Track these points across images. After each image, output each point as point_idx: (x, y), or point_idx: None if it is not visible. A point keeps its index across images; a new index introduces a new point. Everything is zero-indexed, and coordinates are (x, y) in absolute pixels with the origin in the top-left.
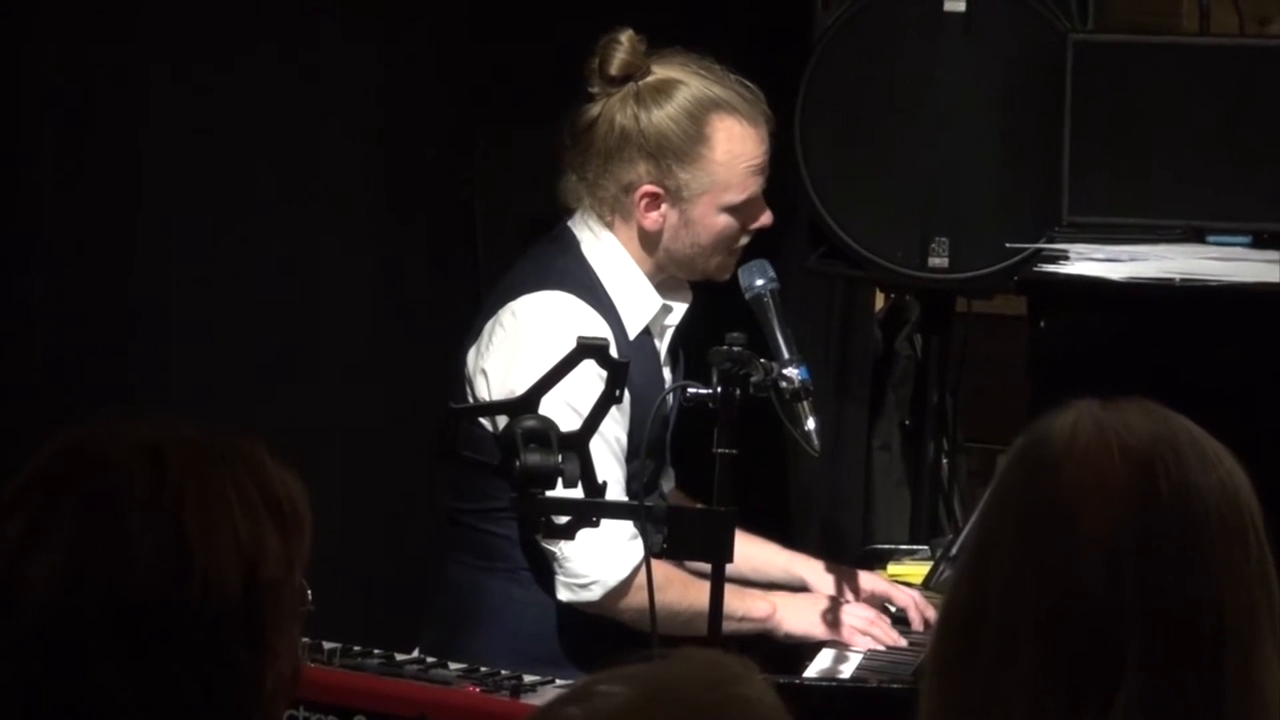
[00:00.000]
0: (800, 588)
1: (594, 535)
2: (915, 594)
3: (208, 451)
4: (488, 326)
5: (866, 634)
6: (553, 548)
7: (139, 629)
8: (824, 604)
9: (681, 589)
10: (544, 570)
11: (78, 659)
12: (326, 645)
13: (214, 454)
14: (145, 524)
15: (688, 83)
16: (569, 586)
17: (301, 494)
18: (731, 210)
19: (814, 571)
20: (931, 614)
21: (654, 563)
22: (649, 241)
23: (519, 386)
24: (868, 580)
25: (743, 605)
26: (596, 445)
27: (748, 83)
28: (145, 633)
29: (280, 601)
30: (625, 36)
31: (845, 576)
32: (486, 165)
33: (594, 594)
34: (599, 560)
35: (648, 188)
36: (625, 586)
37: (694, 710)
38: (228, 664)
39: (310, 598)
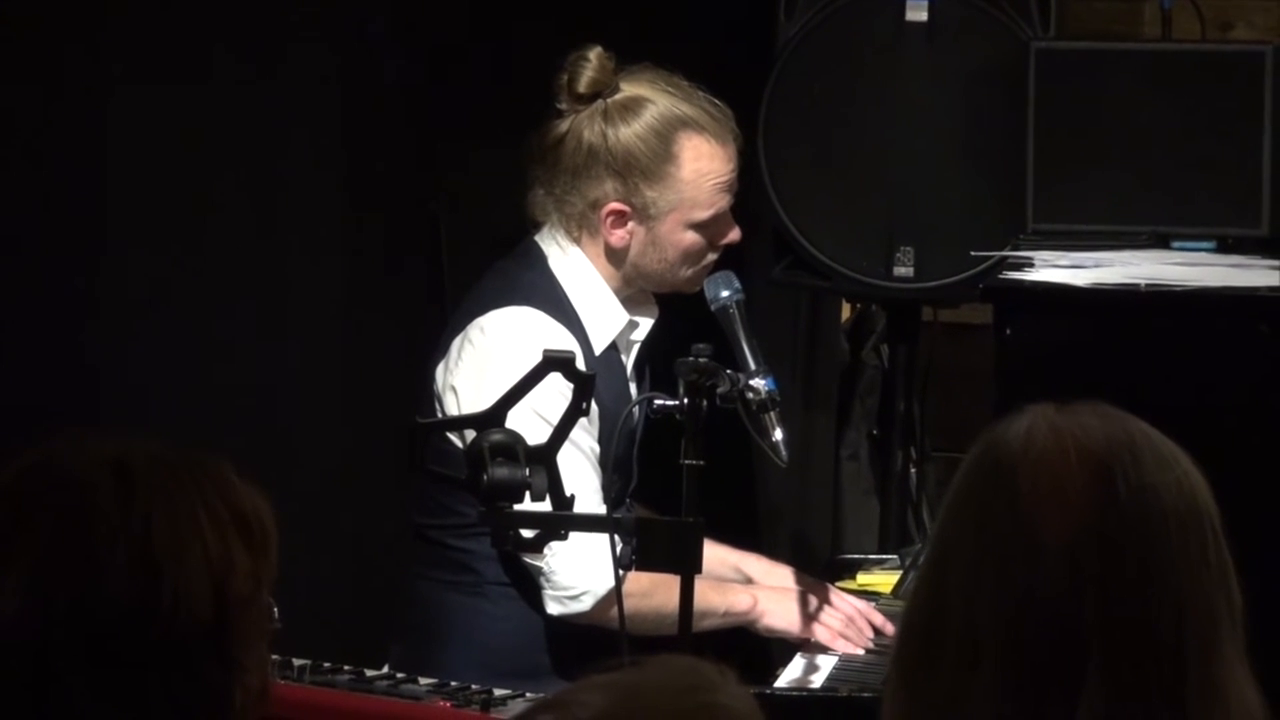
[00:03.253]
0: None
1: (578, 547)
2: (856, 603)
3: (175, 468)
4: (455, 343)
5: (843, 635)
6: (538, 563)
7: (108, 645)
8: (804, 598)
9: (667, 592)
10: (513, 584)
11: (46, 675)
12: (296, 662)
13: (181, 471)
14: (114, 540)
15: (656, 101)
16: (558, 600)
17: (268, 512)
18: (699, 227)
19: (762, 571)
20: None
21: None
22: (616, 257)
23: (488, 402)
24: (806, 581)
25: (725, 600)
26: (573, 456)
27: (716, 100)
28: (114, 649)
29: (249, 618)
30: (594, 54)
31: (792, 576)
32: (450, 181)
33: (585, 604)
34: (586, 571)
35: (614, 205)
36: (615, 594)
37: (669, 717)
38: (197, 680)
39: (277, 615)
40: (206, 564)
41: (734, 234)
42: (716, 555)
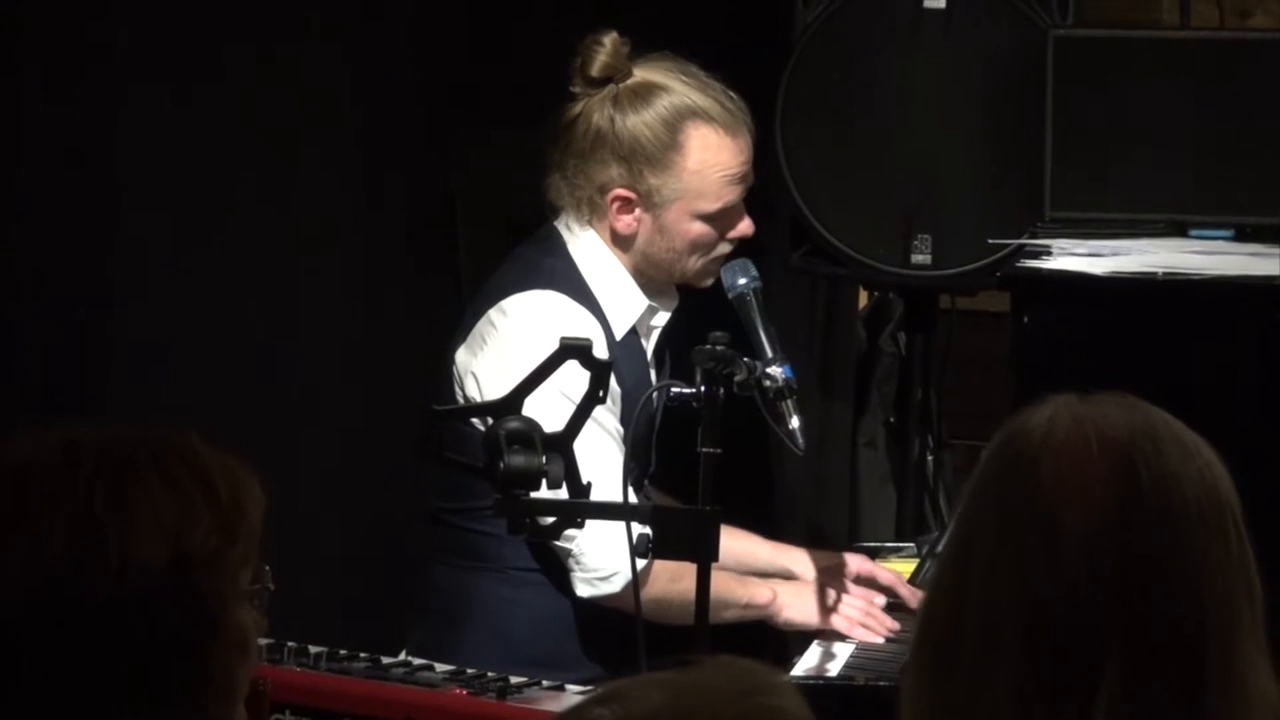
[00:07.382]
0: (786, 578)
1: (606, 528)
2: (898, 573)
3: (125, 440)
4: (478, 326)
5: (862, 624)
6: (567, 545)
7: (60, 608)
8: (821, 592)
9: (694, 577)
10: (535, 569)
11: (6, 647)
12: (313, 649)
13: (132, 442)
14: (55, 508)
15: (668, 88)
16: (589, 581)
17: (243, 478)
18: (706, 218)
19: (799, 561)
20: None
21: None
22: (624, 244)
23: (509, 385)
24: (854, 562)
25: (746, 592)
26: (597, 436)
27: (732, 93)
28: (66, 611)
29: (219, 570)
30: (608, 38)
31: (830, 562)
32: (468, 167)
33: (616, 585)
34: (617, 551)
35: (619, 191)
36: (645, 575)
37: (725, 719)
38: (163, 631)
39: (270, 575)
40: (156, 521)
41: (745, 226)
42: (749, 547)
